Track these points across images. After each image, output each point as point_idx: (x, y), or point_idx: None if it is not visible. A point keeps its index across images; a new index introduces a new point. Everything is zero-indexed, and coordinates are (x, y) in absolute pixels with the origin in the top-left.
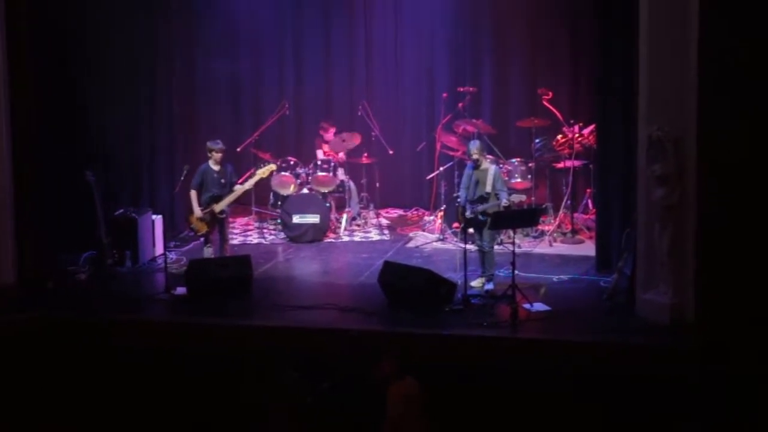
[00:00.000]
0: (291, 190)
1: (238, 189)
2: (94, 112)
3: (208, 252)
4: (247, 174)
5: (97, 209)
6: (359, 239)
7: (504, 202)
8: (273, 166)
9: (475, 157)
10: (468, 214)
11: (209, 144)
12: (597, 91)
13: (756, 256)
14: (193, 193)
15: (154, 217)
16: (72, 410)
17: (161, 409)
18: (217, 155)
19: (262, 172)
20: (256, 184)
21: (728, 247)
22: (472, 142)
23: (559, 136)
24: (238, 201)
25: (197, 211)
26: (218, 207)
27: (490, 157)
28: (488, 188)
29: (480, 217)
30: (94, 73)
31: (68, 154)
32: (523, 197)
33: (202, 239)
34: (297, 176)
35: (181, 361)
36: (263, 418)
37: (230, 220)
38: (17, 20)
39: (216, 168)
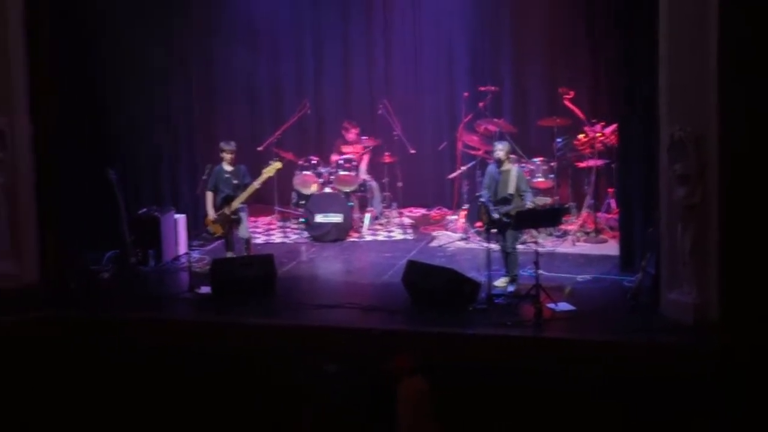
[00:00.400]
0: (313, 189)
1: (248, 189)
2: (115, 112)
3: (228, 255)
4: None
5: (120, 208)
6: (382, 238)
7: (528, 204)
8: (279, 164)
9: (498, 156)
10: (494, 215)
11: (222, 144)
12: (618, 91)
13: None
14: (209, 195)
15: (176, 216)
16: (93, 409)
17: (185, 409)
18: (229, 156)
19: (268, 171)
20: (279, 182)
21: (751, 246)
22: (499, 141)
23: (581, 136)
24: (257, 200)
25: (211, 213)
26: (230, 208)
27: (512, 156)
28: (511, 189)
29: (504, 219)
30: (114, 72)
31: (90, 153)
32: (548, 200)
33: (223, 241)
34: (319, 175)
35: (205, 360)
36: (296, 416)
37: (252, 218)
38: (37, 21)
39: (228, 169)
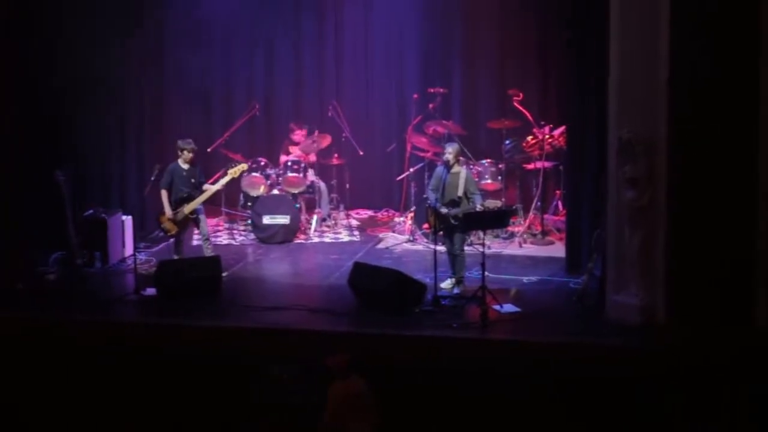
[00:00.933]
0: (261, 190)
1: (209, 189)
2: (63, 113)
3: (179, 254)
4: (218, 174)
5: (67, 209)
6: (329, 240)
7: (478, 206)
8: (244, 166)
9: (446, 158)
10: (443, 210)
11: (180, 143)
12: (568, 93)
13: (725, 258)
14: (164, 193)
15: (123, 217)
16: (40, 412)
17: (130, 411)
18: (189, 155)
19: (233, 172)
20: (227, 184)
21: (698, 248)
22: (449, 143)
23: (530, 138)
24: (208, 201)
25: (168, 211)
26: (188, 208)
27: (461, 159)
28: (460, 192)
29: (452, 221)
30: (64, 74)
31: (38, 155)
32: (499, 203)
33: (172, 240)
34: (267, 177)
35: (150, 362)
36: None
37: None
38: None
39: (185, 167)
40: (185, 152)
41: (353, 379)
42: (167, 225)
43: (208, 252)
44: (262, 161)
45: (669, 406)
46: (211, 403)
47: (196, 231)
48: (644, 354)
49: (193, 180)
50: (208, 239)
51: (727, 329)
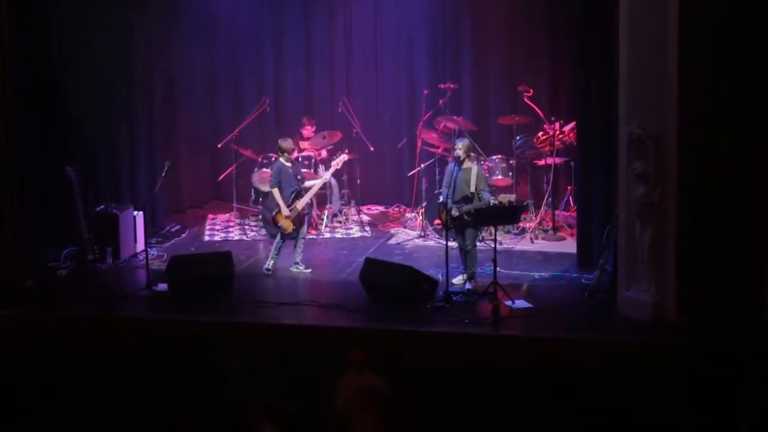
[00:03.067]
0: None
1: (317, 183)
2: (74, 109)
3: (299, 250)
4: (228, 170)
5: (78, 205)
6: (340, 236)
7: (491, 201)
8: (345, 156)
9: (457, 153)
10: (454, 212)
11: (280, 142)
12: (578, 89)
13: (735, 255)
14: (276, 192)
15: (135, 213)
16: (50, 408)
17: (141, 407)
18: (287, 154)
19: (336, 163)
20: (238, 178)
21: (708, 244)
22: (459, 139)
23: (540, 134)
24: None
25: (285, 209)
26: (300, 203)
27: (472, 154)
28: (472, 188)
29: (465, 217)
30: (74, 70)
31: (48, 151)
32: (512, 197)
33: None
34: None
35: (162, 358)
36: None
37: (211, 216)
38: None
39: (290, 165)
40: (289, 152)
41: (367, 375)
42: (284, 223)
43: (299, 250)
44: (273, 157)
45: (679, 402)
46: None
47: (208, 225)
48: (655, 350)
49: (298, 176)
50: (303, 238)
51: (736, 327)
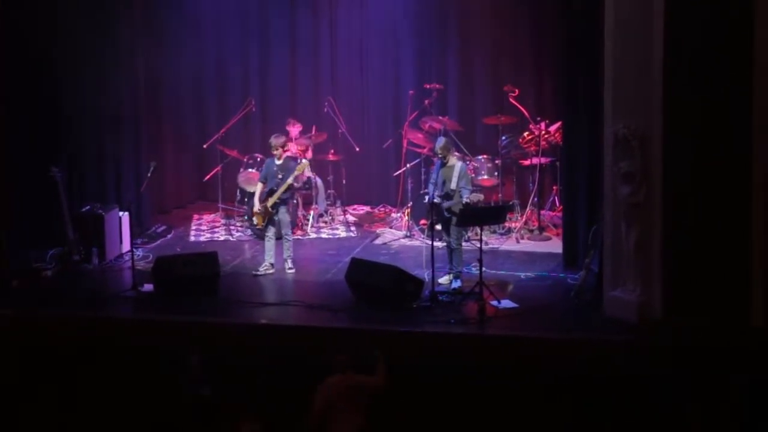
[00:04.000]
0: (258, 186)
1: (284, 184)
2: (59, 109)
3: (268, 247)
4: (214, 170)
5: (63, 206)
6: (326, 236)
7: (464, 200)
8: (306, 162)
9: (440, 154)
10: (436, 199)
11: (272, 138)
12: (563, 89)
13: (721, 255)
14: (258, 186)
15: (120, 213)
16: (36, 408)
17: (126, 408)
18: (274, 150)
19: (299, 168)
20: (223, 179)
21: (694, 244)
22: (438, 139)
23: (526, 134)
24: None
25: (255, 204)
26: (270, 201)
27: (456, 154)
28: (453, 185)
29: (446, 213)
30: (59, 69)
31: (33, 151)
32: (481, 196)
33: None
34: None
35: (147, 358)
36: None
37: (196, 216)
38: None
39: (278, 162)
40: (278, 149)
41: (349, 375)
42: (256, 217)
43: (288, 249)
44: (259, 157)
45: (665, 402)
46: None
47: (193, 226)
48: (641, 350)
49: (281, 176)
50: (283, 237)
51: (723, 326)
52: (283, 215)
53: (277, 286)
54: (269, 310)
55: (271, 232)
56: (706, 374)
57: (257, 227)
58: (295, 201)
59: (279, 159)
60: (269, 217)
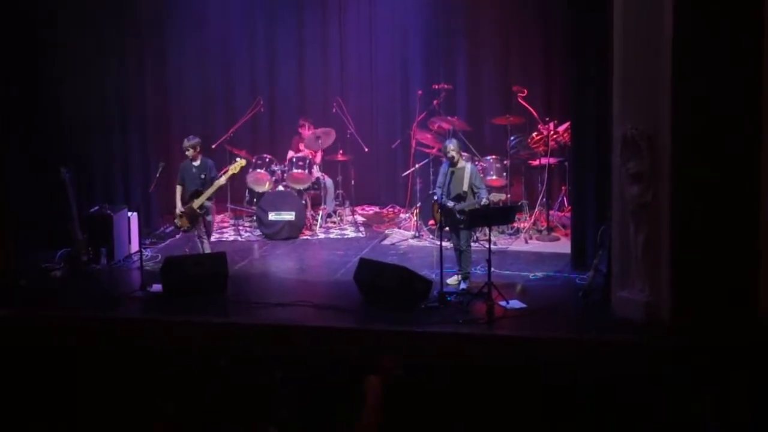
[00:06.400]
0: (266, 187)
1: (214, 185)
2: (68, 110)
3: (204, 247)
4: (223, 171)
5: (72, 206)
6: (335, 236)
7: (484, 201)
8: (243, 162)
9: (451, 155)
10: (449, 204)
11: (184, 142)
12: (572, 89)
13: (729, 255)
14: (178, 189)
15: (129, 214)
16: (43, 409)
17: (136, 407)
18: (190, 151)
19: (233, 168)
20: (232, 180)
21: (703, 245)
22: (448, 140)
23: (534, 134)
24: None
25: (178, 206)
26: (197, 203)
27: (465, 154)
28: (465, 187)
29: (458, 215)
30: (67, 70)
31: (41, 152)
32: (503, 196)
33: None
34: (272, 173)
35: (156, 358)
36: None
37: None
38: None
39: (195, 164)
40: (188, 150)
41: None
42: (179, 220)
43: (207, 249)
44: (267, 157)
45: (673, 402)
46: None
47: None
48: (649, 350)
49: (203, 176)
50: (208, 236)
51: (731, 327)
52: (210, 215)
53: (285, 287)
54: (277, 310)
55: (201, 231)
56: (714, 374)
57: (183, 229)
58: (304, 201)
59: (195, 160)
60: (196, 218)
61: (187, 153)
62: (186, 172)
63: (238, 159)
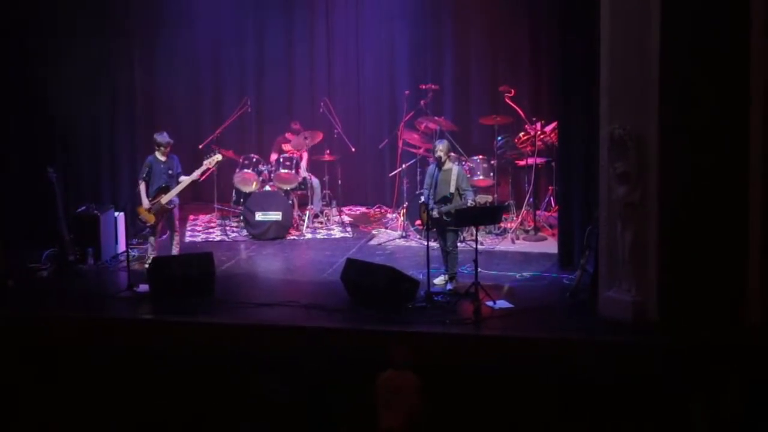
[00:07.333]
0: (253, 187)
1: (185, 180)
2: (55, 109)
3: (152, 241)
4: (209, 171)
5: (59, 206)
6: (322, 237)
7: (470, 203)
8: (219, 156)
9: (438, 155)
10: (434, 213)
11: (155, 136)
12: (559, 89)
13: (717, 255)
14: (142, 185)
15: (116, 214)
16: (31, 410)
17: (122, 408)
18: (162, 147)
19: (208, 162)
20: (219, 180)
21: (690, 245)
22: (438, 140)
23: (521, 134)
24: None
25: (145, 202)
26: (165, 198)
27: (452, 155)
28: (452, 188)
29: (445, 218)
30: (55, 70)
31: (29, 151)
32: (490, 198)
33: (148, 230)
34: (259, 173)
35: (143, 358)
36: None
37: (192, 216)
38: None
39: (162, 159)
40: (162, 146)
41: (403, 373)
42: (145, 216)
43: (175, 245)
44: (254, 157)
45: (661, 401)
46: (204, 400)
47: (189, 226)
48: (636, 350)
49: (170, 171)
50: (176, 232)
51: (718, 327)
52: (176, 209)
53: (272, 287)
54: (264, 310)
55: (173, 226)
56: (702, 374)
57: (148, 224)
58: (291, 201)
59: (163, 156)
60: (163, 213)
61: (161, 149)
62: (154, 167)
63: (213, 153)
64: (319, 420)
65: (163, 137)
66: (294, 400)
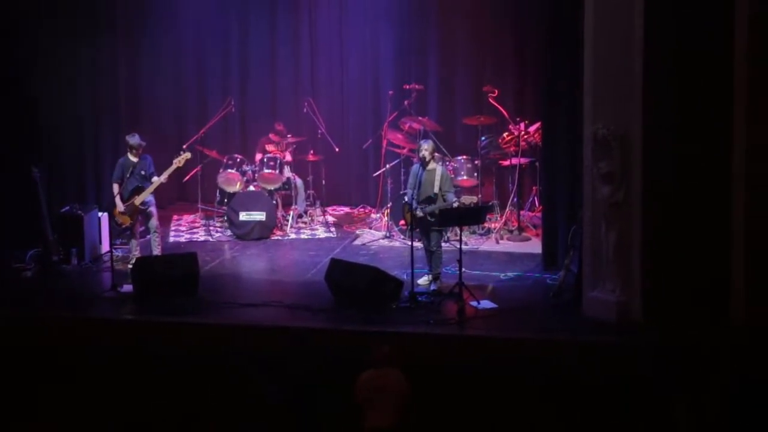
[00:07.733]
0: (237, 187)
1: (156, 180)
2: (39, 110)
3: (134, 243)
4: (194, 171)
5: (42, 206)
6: (306, 237)
7: (454, 204)
8: (188, 155)
9: (422, 155)
10: (418, 213)
11: (126, 138)
12: (542, 89)
13: (701, 255)
14: (115, 187)
15: (100, 214)
16: (15, 411)
17: (106, 409)
18: (135, 150)
19: (178, 161)
20: (203, 180)
21: (674, 244)
22: (424, 140)
23: (505, 134)
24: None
25: (119, 204)
26: (138, 199)
27: (437, 155)
28: (435, 189)
29: (429, 218)
30: (39, 70)
31: (13, 151)
32: (474, 199)
33: (128, 233)
34: (243, 173)
35: (126, 359)
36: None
37: (176, 217)
38: None
39: (134, 160)
40: (138, 149)
41: (386, 372)
42: (120, 217)
43: (156, 245)
44: (238, 158)
45: (645, 402)
46: (189, 400)
47: (173, 226)
48: (620, 350)
49: (143, 172)
50: (156, 232)
51: (702, 326)
52: (153, 209)
53: (257, 287)
54: (248, 310)
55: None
56: (687, 374)
57: (124, 226)
58: (275, 201)
59: (135, 157)
60: (137, 214)
61: (133, 150)
62: (126, 168)
63: (182, 152)
64: (306, 420)
65: (134, 139)
66: (286, 400)
